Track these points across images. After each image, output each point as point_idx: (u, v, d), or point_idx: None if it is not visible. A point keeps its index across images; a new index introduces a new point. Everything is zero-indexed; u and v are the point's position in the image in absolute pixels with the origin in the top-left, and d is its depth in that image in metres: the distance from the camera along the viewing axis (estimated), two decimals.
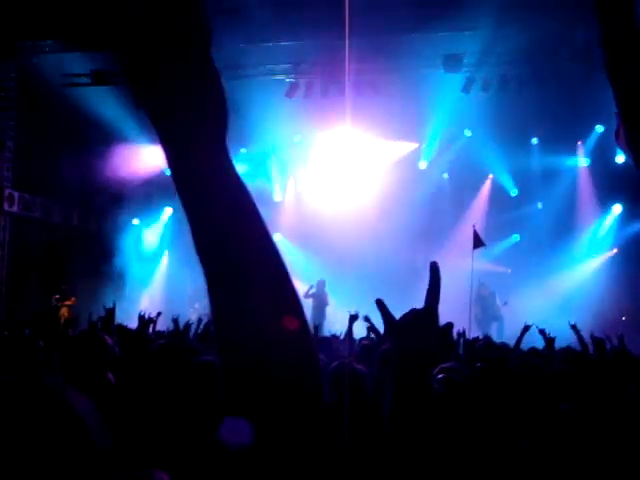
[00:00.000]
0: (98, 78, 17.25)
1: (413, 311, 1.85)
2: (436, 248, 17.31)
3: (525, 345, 7.59)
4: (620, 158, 18.13)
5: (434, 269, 1.83)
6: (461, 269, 13.53)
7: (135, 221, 19.83)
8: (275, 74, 17.30)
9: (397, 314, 1.79)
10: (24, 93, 17.18)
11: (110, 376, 3.82)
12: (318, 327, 16.94)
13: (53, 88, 17.02)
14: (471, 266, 12.06)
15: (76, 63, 16.99)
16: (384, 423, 1.80)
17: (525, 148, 18.35)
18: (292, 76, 17.27)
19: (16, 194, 17.46)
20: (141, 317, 7.67)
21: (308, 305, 17.43)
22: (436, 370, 4.56)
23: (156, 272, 20.29)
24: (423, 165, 19.34)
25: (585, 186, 18.71)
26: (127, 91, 1.06)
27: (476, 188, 19.54)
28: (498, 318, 17.54)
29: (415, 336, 1.81)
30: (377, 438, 1.85)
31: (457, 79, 16.37)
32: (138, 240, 20.02)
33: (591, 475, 3.13)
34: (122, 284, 17.93)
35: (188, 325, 8.57)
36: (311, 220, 18.68)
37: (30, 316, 13.38)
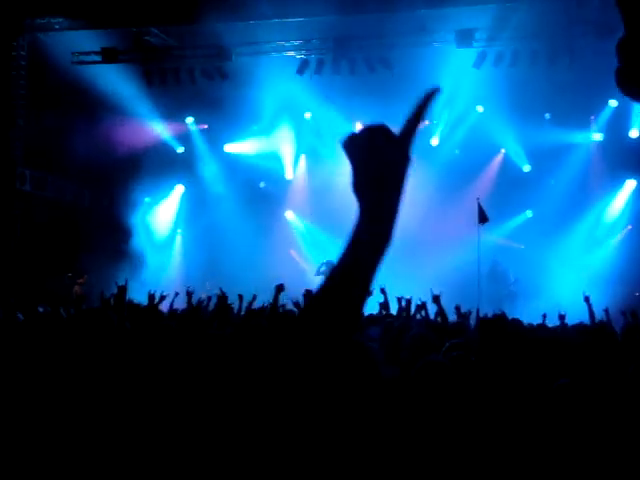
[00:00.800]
0: (108, 55, 17.21)
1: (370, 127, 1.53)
2: (448, 224, 17.31)
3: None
4: (634, 132, 18.00)
5: (429, 95, 1.52)
6: (472, 244, 13.52)
7: (147, 199, 19.86)
8: (286, 51, 17.20)
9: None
10: (34, 71, 17.17)
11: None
12: None
13: (63, 66, 17.00)
14: (479, 241, 12.05)
15: (86, 41, 16.95)
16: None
17: (538, 123, 18.20)
18: (303, 52, 17.18)
19: (27, 172, 17.50)
20: (151, 295, 7.88)
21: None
22: (446, 347, 4.58)
23: (169, 250, 20.35)
24: (435, 141, 19.24)
25: (598, 161, 18.55)
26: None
27: (488, 164, 19.45)
28: (512, 295, 17.52)
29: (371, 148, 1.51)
30: None
31: (469, 54, 16.24)
32: (150, 218, 20.05)
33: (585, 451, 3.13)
34: (135, 262, 18.00)
35: (200, 302, 8.68)
36: (322, 197, 18.65)
37: (43, 294, 13.45)
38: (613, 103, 17.87)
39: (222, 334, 3.96)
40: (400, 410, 3.26)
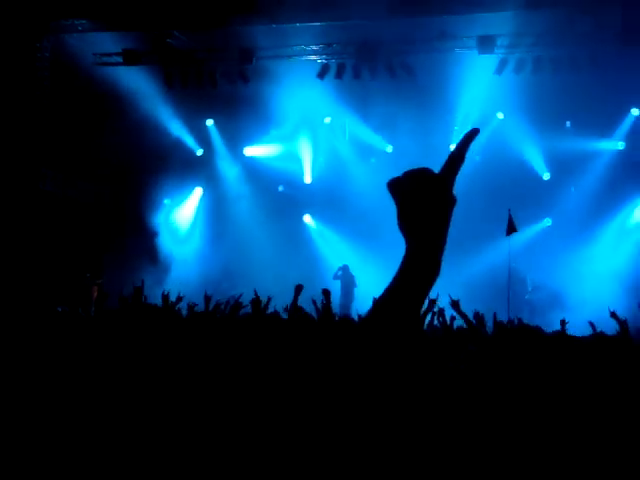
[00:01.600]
0: (129, 57, 17.33)
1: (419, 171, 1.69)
2: (467, 231, 17.24)
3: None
4: None
5: (469, 135, 1.70)
6: (495, 253, 13.44)
7: (166, 201, 19.94)
8: (307, 55, 17.24)
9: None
10: (57, 72, 17.30)
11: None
12: (346, 308, 17.09)
13: (85, 67, 17.13)
14: (508, 252, 11.98)
15: (108, 42, 17.07)
16: None
17: (558, 131, 18.11)
18: (324, 57, 17.22)
19: (49, 173, 17.62)
20: (165, 297, 8.18)
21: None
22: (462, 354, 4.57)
23: (189, 253, 20.41)
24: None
25: (619, 170, 18.41)
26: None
27: (508, 171, 19.36)
28: (530, 302, 17.43)
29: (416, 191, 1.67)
30: None
31: (490, 61, 16.21)
32: (170, 220, 20.13)
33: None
34: (154, 264, 18.09)
35: (218, 304, 8.70)
36: (341, 201, 18.67)
37: (63, 294, 13.54)
38: (635, 112, 17.78)
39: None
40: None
